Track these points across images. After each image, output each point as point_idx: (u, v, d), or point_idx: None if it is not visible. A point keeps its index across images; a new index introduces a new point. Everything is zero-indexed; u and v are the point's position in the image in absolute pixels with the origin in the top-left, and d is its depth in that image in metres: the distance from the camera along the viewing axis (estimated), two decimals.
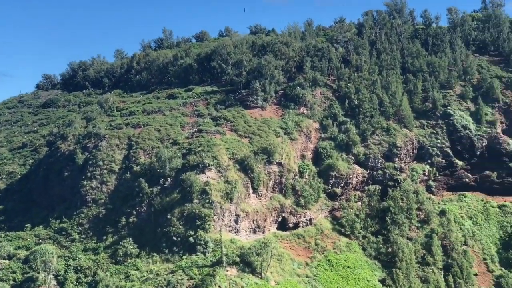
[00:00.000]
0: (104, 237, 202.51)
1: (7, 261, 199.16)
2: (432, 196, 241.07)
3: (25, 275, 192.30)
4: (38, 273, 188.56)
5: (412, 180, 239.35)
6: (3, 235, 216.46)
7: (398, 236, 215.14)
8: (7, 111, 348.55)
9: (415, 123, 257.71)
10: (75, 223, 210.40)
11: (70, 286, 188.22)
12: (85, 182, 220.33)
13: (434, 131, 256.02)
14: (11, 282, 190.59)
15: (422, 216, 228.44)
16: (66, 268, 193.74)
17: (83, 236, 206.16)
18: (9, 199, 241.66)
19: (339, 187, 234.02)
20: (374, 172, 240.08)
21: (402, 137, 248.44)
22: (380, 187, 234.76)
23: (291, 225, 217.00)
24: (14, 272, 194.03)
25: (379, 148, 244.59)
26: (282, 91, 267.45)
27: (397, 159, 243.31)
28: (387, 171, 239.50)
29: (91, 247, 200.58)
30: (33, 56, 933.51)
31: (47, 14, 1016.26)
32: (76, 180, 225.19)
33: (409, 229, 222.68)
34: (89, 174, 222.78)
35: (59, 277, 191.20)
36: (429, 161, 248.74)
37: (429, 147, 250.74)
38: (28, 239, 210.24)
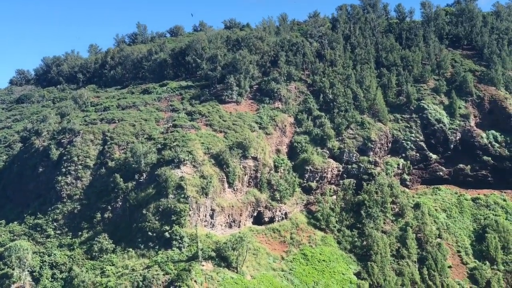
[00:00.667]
0: (80, 233, 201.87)
1: None
2: (407, 190, 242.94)
3: (0, 271, 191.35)
4: (13, 269, 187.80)
5: (387, 174, 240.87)
6: None
7: (373, 229, 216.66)
8: None
9: (389, 117, 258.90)
10: (50, 219, 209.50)
11: (45, 282, 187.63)
12: (60, 178, 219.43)
13: (408, 125, 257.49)
14: None
15: (397, 210, 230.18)
16: (41, 264, 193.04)
17: (58, 232, 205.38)
18: None
19: (314, 181, 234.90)
20: (349, 166, 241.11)
21: (376, 131, 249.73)
22: (355, 181, 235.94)
23: (266, 219, 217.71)
24: None
25: (353, 142, 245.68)
26: (257, 86, 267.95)
27: (371, 153, 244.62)
28: (361, 165, 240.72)
29: (67, 243, 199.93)
30: (6, 50, 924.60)
31: (20, 8, 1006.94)
32: (51, 176, 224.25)
33: (384, 223, 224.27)
34: (64, 169, 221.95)
35: (34, 273, 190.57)
36: (404, 154, 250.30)
37: (403, 141, 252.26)
38: (3, 236, 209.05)
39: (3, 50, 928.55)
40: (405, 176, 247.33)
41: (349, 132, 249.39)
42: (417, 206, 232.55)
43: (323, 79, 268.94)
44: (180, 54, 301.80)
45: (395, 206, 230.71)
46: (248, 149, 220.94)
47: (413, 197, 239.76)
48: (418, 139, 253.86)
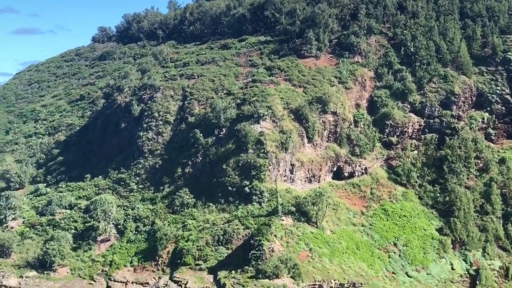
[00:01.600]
0: (161, 187, 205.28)
1: (68, 211, 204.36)
2: (491, 144, 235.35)
3: (86, 224, 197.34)
4: (99, 222, 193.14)
5: (471, 128, 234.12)
6: (64, 186, 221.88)
7: (456, 185, 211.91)
8: (64, 64, 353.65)
9: (473, 70, 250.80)
10: (133, 174, 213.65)
11: (129, 234, 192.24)
12: (141, 133, 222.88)
13: (494, 78, 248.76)
14: (73, 231, 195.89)
15: (481, 165, 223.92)
16: (125, 217, 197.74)
17: (141, 186, 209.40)
18: (69, 150, 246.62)
19: (395, 136, 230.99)
20: (431, 121, 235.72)
21: (460, 84, 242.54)
22: (437, 136, 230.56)
23: (346, 174, 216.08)
24: (75, 221, 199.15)
25: (436, 96, 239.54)
26: (336, 40, 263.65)
27: (455, 107, 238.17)
28: (444, 119, 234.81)
29: (149, 197, 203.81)
30: (88, 9, 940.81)
31: None
32: (133, 132, 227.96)
33: (468, 178, 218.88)
34: (145, 125, 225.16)
35: (119, 226, 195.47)
36: (488, 108, 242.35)
37: (488, 94, 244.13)
38: (88, 189, 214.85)
39: (86, 9, 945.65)
40: (490, 130, 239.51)
41: (431, 85, 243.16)
42: (502, 161, 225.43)
43: (404, 31, 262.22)
44: (258, 8, 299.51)
45: (479, 161, 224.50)
46: (327, 104, 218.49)
47: (498, 152, 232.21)
48: (504, 92, 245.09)
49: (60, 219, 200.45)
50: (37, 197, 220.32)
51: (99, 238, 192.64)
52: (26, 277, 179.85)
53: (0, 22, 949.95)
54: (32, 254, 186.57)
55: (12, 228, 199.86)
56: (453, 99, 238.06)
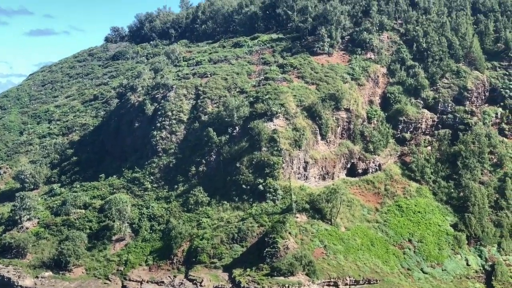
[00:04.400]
0: (175, 186, 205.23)
1: (83, 211, 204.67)
2: (505, 139, 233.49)
3: (101, 223, 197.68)
4: (114, 221, 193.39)
5: (484, 124, 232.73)
6: (78, 186, 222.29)
7: (470, 180, 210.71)
8: (77, 64, 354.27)
9: (486, 65, 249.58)
10: (147, 173, 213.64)
11: (144, 233, 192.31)
12: (155, 133, 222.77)
13: (507, 73, 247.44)
14: (88, 230, 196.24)
15: (495, 160, 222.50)
16: (140, 216, 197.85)
17: (155, 185, 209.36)
18: (83, 150, 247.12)
19: (408, 132, 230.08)
20: (444, 116, 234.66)
21: (473, 79, 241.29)
22: (451, 131, 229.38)
23: (360, 171, 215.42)
24: (90, 221, 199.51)
25: (449, 91, 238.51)
26: (349, 37, 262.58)
27: (468, 102, 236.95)
28: (457, 114, 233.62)
29: (163, 196, 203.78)
30: (101, 9, 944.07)
31: None
32: (147, 131, 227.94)
33: (481, 173, 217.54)
34: (158, 124, 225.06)
35: (133, 225, 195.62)
36: (502, 103, 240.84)
37: (501, 89, 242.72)
38: (103, 189, 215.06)
39: (100, 9, 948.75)
40: (504, 125, 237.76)
41: (444, 81, 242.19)
42: None
43: (416, 27, 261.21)
44: (270, 6, 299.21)
45: (493, 157, 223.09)
46: (340, 100, 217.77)
47: None
48: None
49: (75, 219, 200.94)
50: (52, 197, 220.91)
51: (114, 238, 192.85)
52: (41, 277, 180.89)
53: (15, 24, 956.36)
54: (47, 254, 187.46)
55: (27, 228, 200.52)
56: (466, 94, 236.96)
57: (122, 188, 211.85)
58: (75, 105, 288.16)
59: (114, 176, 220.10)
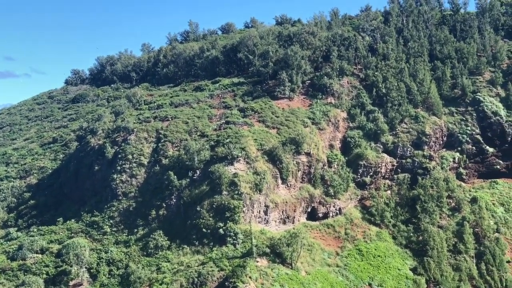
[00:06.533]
0: (135, 230, 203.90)
1: (40, 255, 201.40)
2: (463, 184, 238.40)
3: (58, 268, 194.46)
4: (71, 266, 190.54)
5: (442, 168, 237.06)
6: (35, 230, 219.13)
7: (429, 224, 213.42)
8: (37, 107, 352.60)
9: (444, 111, 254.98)
10: (107, 216, 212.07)
11: (102, 278, 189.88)
12: (115, 176, 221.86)
13: (464, 118, 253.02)
14: (44, 276, 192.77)
15: (453, 204, 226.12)
16: (99, 261, 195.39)
17: (115, 229, 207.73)
18: (41, 193, 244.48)
19: (368, 176, 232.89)
20: (403, 161, 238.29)
21: (431, 124, 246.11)
22: (410, 175, 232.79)
23: (320, 215, 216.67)
24: (47, 266, 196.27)
25: (407, 136, 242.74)
26: (309, 81, 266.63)
27: (426, 147, 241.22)
28: (416, 159, 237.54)
29: (123, 240, 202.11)
30: (62, 51, 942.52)
31: (74, 10, 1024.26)
32: (106, 174, 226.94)
33: (440, 217, 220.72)
34: (119, 167, 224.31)
35: (91, 270, 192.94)
36: (459, 148, 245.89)
37: (459, 134, 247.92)
38: (60, 233, 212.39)
39: (61, 52, 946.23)
40: (461, 170, 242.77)
41: (403, 126, 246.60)
42: (474, 200, 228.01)
43: (376, 73, 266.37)
44: (231, 51, 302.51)
45: (451, 201, 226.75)
46: (301, 144, 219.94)
47: (470, 191, 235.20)
48: (474, 132, 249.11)
49: (32, 264, 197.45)
50: (8, 242, 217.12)
51: (71, 283, 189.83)
52: None
53: None
54: None
55: None
56: (424, 139, 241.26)
57: (81, 232, 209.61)
58: (34, 147, 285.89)
59: (73, 220, 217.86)
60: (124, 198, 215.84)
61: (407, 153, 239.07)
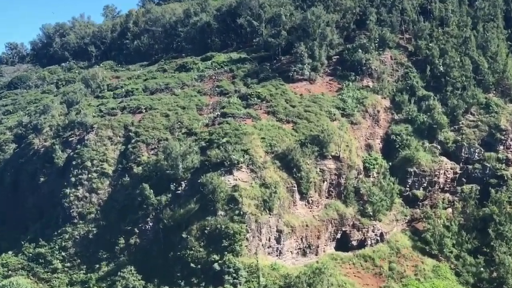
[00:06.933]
0: (97, 266, 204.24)
1: None
2: None
3: None
4: None
5: None
6: None
7: (506, 255, 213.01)
8: None
9: None
10: (57, 247, 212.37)
11: None
12: (68, 191, 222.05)
13: None
14: None
15: None
16: None
17: (68, 264, 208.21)
18: None
19: (421, 189, 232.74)
20: (470, 167, 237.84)
21: (508, 116, 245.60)
22: (479, 187, 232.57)
23: (354, 243, 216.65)
24: None
25: (475, 132, 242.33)
26: (338, 57, 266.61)
27: (501, 147, 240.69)
28: (487, 164, 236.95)
29: (79, 279, 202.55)
30: None
31: None
32: (56, 188, 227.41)
33: None
34: (73, 179, 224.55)
35: None
36: None
37: None
38: None
39: None
40: None
41: (469, 118, 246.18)
42: None
43: (430, 44, 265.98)
44: (229, 15, 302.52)
45: None
46: (327, 145, 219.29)
47: None
48: None
49: None
50: None
51: None
52: None
53: None
54: None
55: None
56: (498, 136, 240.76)
57: (21, 269, 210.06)
58: None
59: (10, 252, 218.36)
60: (81, 222, 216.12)
61: (475, 156, 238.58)
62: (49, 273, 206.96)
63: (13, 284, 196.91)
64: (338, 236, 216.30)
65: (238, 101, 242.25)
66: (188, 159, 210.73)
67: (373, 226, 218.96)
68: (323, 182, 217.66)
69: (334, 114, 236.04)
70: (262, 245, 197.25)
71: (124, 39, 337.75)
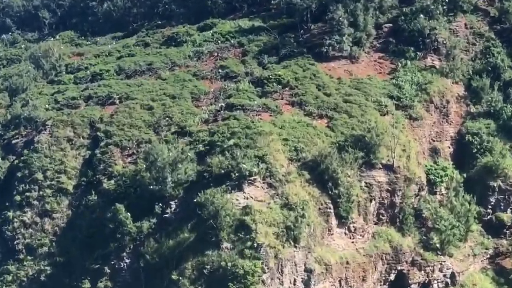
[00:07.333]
0: None
1: None
2: None
3: None
4: None
5: None
6: None
7: None
8: None
9: None
10: None
11: None
12: (10, 214, 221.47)
13: None
14: None
15: None
16: None
17: None
18: None
19: (508, 211, 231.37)
20: None
21: None
22: None
23: (414, 286, 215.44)
24: None
25: None
26: (391, 26, 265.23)
27: None
28: None
29: None
30: None
31: None
32: None
33: None
34: (18, 197, 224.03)
35: None
36: None
37: None
38: None
39: None
40: None
41: None
42: None
43: None
44: None
45: None
46: (375, 150, 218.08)
47: None
48: None
49: None
50: None
51: None
52: None
53: None
54: None
55: None
56: None
57: None
58: None
59: None
60: (29, 258, 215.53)
61: None
62: None
63: None
64: (392, 277, 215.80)
65: (251, 88, 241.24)
66: (180, 170, 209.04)
67: (441, 264, 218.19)
68: (370, 201, 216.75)
69: (386, 106, 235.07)
70: None
71: (90, 0, 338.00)
